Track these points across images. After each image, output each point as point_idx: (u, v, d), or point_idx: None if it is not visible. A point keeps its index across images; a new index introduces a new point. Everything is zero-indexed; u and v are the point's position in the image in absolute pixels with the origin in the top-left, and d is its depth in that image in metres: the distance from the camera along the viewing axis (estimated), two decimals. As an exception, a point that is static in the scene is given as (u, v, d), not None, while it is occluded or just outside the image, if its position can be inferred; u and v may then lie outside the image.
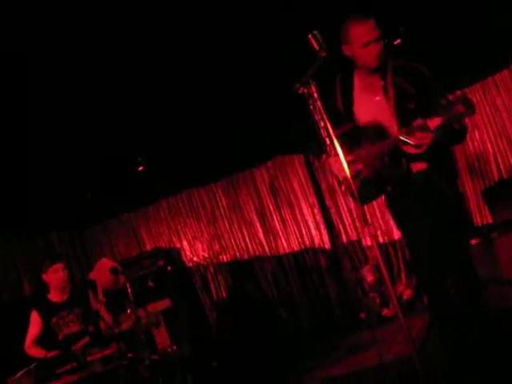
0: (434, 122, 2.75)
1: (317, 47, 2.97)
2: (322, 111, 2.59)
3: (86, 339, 4.46)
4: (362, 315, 6.69)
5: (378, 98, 3.12)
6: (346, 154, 3.17)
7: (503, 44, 6.08)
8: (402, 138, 2.85)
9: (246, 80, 5.38)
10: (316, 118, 2.61)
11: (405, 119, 2.95)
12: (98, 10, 3.80)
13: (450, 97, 2.65)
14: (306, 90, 2.67)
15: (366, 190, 3.19)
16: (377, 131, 3.07)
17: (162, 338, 6.06)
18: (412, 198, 3.12)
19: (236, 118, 6.20)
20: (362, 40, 3.03)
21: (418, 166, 3.07)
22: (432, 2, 5.01)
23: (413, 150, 2.87)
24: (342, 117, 3.25)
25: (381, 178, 3.14)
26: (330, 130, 2.58)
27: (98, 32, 4.05)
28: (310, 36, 3.02)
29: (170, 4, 4.00)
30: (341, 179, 3.16)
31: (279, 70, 4.81)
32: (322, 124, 2.58)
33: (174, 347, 5.21)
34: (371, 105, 3.11)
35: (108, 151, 5.98)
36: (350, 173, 3.08)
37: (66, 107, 4.86)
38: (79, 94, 4.74)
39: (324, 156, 3.30)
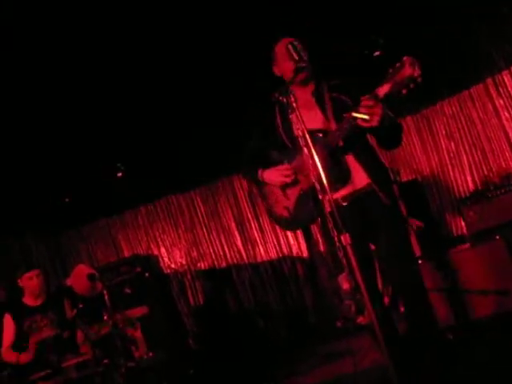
0: (383, 90, 2.70)
1: (296, 57, 3.01)
2: (301, 119, 2.59)
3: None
4: (339, 323, 6.71)
5: (314, 112, 3.11)
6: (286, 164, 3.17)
7: (479, 60, 6.23)
8: (354, 114, 2.78)
9: (226, 86, 5.43)
10: (296, 126, 2.61)
11: None
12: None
13: (397, 64, 2.64)
14: (284, 99, 2.68)
15: (302, 204, 3.12)
16: (315, 137, 2.89)
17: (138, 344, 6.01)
18: (356, 212, 3.05)
19: (217, 125, 6.23)
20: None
21: (362, 182, 3.05)
22: (410, 16, 5.11)
23: (367, 124, 2.76)
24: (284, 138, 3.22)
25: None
26: (307, 135, 2.56)
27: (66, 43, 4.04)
28: (289, 46, 3.06)
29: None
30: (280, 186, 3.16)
31: (259, 75, 4.87)
32: (301, 133, 2.58)
33: (151, 354, 5.16)
34: (308, 118, 2.90)
35: (87, 156, 5.96)
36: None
37: (46, 111, 4.85)
38: (59, 99, 4.73)
39: (260, 171, 3.27)
